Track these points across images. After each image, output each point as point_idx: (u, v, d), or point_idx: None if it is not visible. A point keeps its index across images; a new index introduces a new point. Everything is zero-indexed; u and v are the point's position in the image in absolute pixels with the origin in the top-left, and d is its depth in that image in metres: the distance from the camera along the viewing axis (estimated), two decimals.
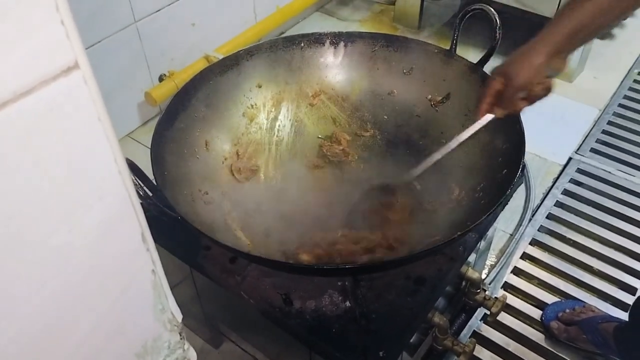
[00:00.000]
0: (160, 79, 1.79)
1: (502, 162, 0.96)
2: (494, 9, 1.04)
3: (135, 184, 0.83)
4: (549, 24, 0.86)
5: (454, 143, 0.95)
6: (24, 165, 0.32)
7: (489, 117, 0.91)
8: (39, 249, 0.35)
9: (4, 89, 0.29)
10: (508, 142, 0.97)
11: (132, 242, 0.42)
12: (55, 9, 0.30)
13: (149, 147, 0.95)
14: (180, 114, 1.04)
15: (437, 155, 0.96)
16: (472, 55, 2.03)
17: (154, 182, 0.91)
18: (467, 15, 1.09)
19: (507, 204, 1.10)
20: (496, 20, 1.03)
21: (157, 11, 1.70)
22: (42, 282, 0.36)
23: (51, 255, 0.36)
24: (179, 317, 0.53)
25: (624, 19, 2.10)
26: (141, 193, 0.83)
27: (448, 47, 1.14)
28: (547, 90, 0.87)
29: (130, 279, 0.44)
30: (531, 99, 0.88)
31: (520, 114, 0.92)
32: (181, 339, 0.54)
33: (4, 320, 0.35)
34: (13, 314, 0.36)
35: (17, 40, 0.29)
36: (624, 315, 1.28)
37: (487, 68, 1.08)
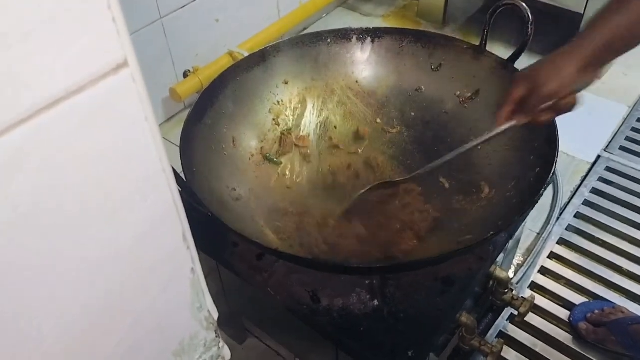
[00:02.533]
0: (185, 75, 1.80)
1: (534, 159, 0.95)
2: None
3: None
4: (581, 34, 0.81)
5: (466, 147, 0.92)
6: (72, 164, 0.32)
7: (508, 124, 0.87)
8: (83, 248, 0.35)
9: (57, 86, 0.29)
10: (540, 140, 0.95)
11: (174, 241, 0.42)
12: (107, 6, 0.29)
13: (174, 142, 0.95)
14: (208, 110, 1.04)
15: (446, 158, 0.93)
16: (501, 50, 2.00)
17: (182, 177, 0.91)
18: (498, 11, 1.07)
19: (538, 201, 1.08)
20: (528, 16, 1.01)
21: (182, 7, 1.71)
22: (87, 282, 0.36)
23: (95, 255, 0.36)
24: (215, 315, 0.53)
25: None
26: None
27: (474, 43, 1.12)
28: (573, 105, 0.82)
29: (171, 277, 0.44)
30: (556, 111, 0.84)
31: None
32: (217, 336, 0.54)
33: (51, 320, 0.36)
34: (60, 314, 0.36)
35: (70, 37, 0.29)
36: None
37: (519, 64, 1.06)
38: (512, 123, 0.87)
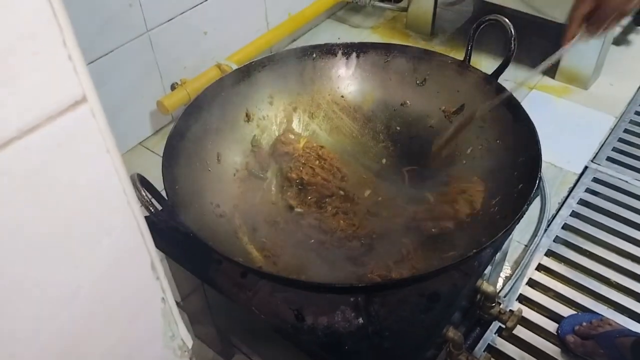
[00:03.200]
0: (173, 87, 1.79)
1: (518, 175, 0.95)
2: (508, 17, 1.02)
3: (146, 201, 0.82)
4: None
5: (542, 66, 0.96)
6: (31, 202, 0.31)
7: (575, 40, 0.89)
8: (45, 286, 0.34)
9: (8, 126, 0.28)
10: (524, 156, 0.95)
11: (142, 272, 0.41)
12: (63, 44, 0.29)
13: (161, 155, 0.94)
14: (192, 127, 1.03)
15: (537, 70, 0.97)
16: (486, 63, 2.01)
17: (164, 195, 0.90)
18: (482, 26, 1.07)
19: (522, 217, 1.08)
20: (511, 32, 1.02)
21: (169, 20, 1.71)
22: (49, 318, 0.36)
23: (58, 292, 0.35)
24: (189, 343, 0.52)
25: None
26: (152, 209, 0.83)
27: (461, 54, 1.12)
28: (631, 10, 0.83)
29: (140, 308, 0.43)
30: (622, 15, 0.84)
31: (536, 127, 0.90)
32: None
33: (14, 356, 0.35)
34: (23, 349, 0.35)
35: (24, 76, 0.28)
36: None
37: (502, 79, 1.06)
38: (580, 40, 0.89)
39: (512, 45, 1.02)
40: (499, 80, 1.06)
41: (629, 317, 1.38)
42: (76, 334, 0.40)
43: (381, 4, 2.37)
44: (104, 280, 0.37)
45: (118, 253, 0.37)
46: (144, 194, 0.84)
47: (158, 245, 1.01)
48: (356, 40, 1.29)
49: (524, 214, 0.91)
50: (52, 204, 0.32)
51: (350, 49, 1.19)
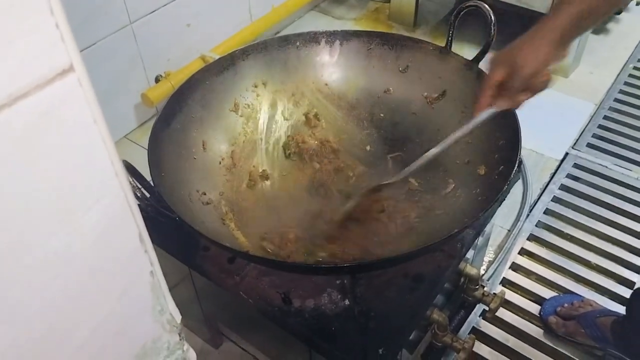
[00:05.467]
0: (157, 80, 1.79)
1: (499, 158, 0.97)
2: (488, 6, 1.04)
3: (133, 186, 0.83)
4: (555, 8, 0.82)
5: (449, 140, 0.91)
6: (20, 169, 0.32)
7: (488, 112, 0.86)
8: (38, 252, 0.35)
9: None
10: (504, 139, 0.97)
11: (130, 243, 0.42)
12: (50, 12, 0.30)
13: (147, 148, 0.95)
14: (176, 115, 1.04)
15: (432, 152, 0.93)
16: (468, 51, 2.03)
17: (151, 183, 0.91)
18: (462, 13, 1.09)
19: (504, 200, 1.10)
20: (491, 17, 1.04)
21: (152, 12, 1.70)
22: (41, 285, 0.36)
23: (50, 258, 0.36)
24: (178, 318, 0.53)
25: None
26: (138, 194, 0.84)
27: (444, 44, 1.14)
28: (548, 82, 0.83)
29: (129, 280, 0.44)
30: (533, 91, 0.84)
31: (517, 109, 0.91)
32: (180, 339, 0.54)
33: (3, 325, 0.36)
34: (13, 319, 0.36)
35: (11, 44, 0.29)
36: (621, 309, 1.29)
37: (483, 65, 1.08)
38: (493, 109, 0.86)
39: (492, 31, 1.04)
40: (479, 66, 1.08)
41: (609, 298, 1.41)
42: (66, 306, 0.41)
43: None
44: (95, 248, 0.38)
45: (107, 221, 0.38)
46: (131, 181, 0.85)
47: None
48: None
49: (505, 194, 0.93)
50: (42, 171, 0.33)
51: (333, 37, 1.20)
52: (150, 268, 0.46)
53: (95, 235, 0.38)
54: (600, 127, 1.87)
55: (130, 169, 0.88)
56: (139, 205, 0.81)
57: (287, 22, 2.31)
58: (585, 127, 1.87)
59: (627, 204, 1.61)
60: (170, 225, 0.87)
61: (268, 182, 1.13)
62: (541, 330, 1.35)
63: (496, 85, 0.85)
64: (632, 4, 2.21)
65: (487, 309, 1.26)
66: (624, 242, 1.52)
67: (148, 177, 0.91)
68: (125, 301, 0.46)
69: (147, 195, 0.89)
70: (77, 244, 0.37)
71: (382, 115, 1.20)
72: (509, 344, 1.32)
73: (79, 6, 1.48)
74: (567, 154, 1.77)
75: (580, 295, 1.39)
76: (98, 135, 0.35)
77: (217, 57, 1.79)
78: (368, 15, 2.42)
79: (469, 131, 0.90)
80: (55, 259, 0.36)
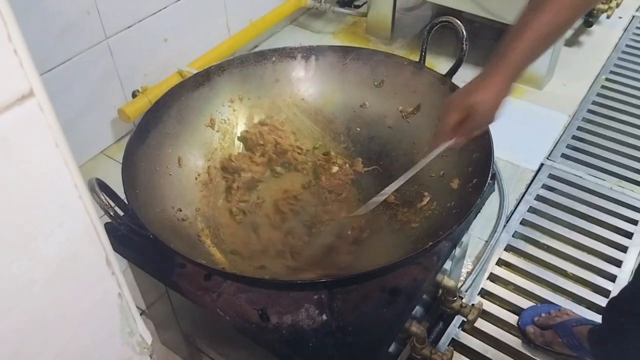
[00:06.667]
0: (134, 95, 1.78)
1: (472, 171, 0.98)
2: (463, 20, 1.05)
3: (106, 205, 0.82)
4: (505, 45, 0.82)
5: (409, 173, 0.93)
6: None
7: (444, 145, 0.89)
8: None
9: None
10: (477, 152, 0.99)
11: (96, 267, 0.42)
12: (8, 39, 0.30)
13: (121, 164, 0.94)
14: (151, 131, 1.04)
15: (391, 187, 0.94)
16: (444, 64, 2.06)
17: (125, 201, 0.90)
18: (435, 28, 1.11)
19: (479, 212, 1.11)
20: (462, 32, 1.05)
21: (128, 27, 1.70)
22: (2, 311, 0.36)
23: (11, 285, 0.36)
24: (149, 339, 0.52)
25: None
26: (111, 213, 0.83)
27: (419, 58, 1.15)
28: (499, 116, 0.86)
29: (96, 303, 0.44)
30: (485, 126, 0.88)
31: (492, 128, 0.92)
32: None
33: None
34: None
35: None
36: (598, 318, 1.30)
37: (456, 78, 1.10)
38: (450, 144, 0.89)
39: (464, 46, 1.06)
40: (453, 80, 1.10)
41: (585, 307, 1.43)
42: (29, 331, 0.40)
43: (342, 10, 2.41)
44: (58, 273, 0.38)
45: (71, 246, 0.38)
46: (103, 199, 0.84)
47: (120, 251, 1.01)
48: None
49: (480, 206, 0.94)
50: (3, 195, 0.32)
51: (309, 52, 1.21)
52: (118, 290, 0.45)
53: (58, 260, 0.38)
54: (574, 137, 1.91)
55: (104, 187, 0.87)
56: (111, 224, 0.81)
57: (265, 37, 2.32)
58: (560, 138, 1.90)
59: (601, 213, 1.64)
60: (145, 243, 0.86)
61: (245, 198, 1.12)
62: (519, 340, 1.36)
63: (452, 127, 0.87)
64: (603, 17, 2.26)
65: (465, 320, 1.27)
66: (600, 252, 1.55)
67: (122, 194, 0.91)
68: (92, 324, 0.45)
69: (121, 213, 0.88)
70: (39, 269, 0.37)
71: (358, 129, 1.21)
72: (488, 355, 1.33)
73: (53, 22, 1.47)
74: (542, 164, 1.79)
75: (557, 305, 1.40)
76: (60, 159, 0.35)
77: (194, 71, 1.79)
78: (346, 29, 2.44)
79: (425, 164, 0.92)
80: (16, 285, 0.36)
